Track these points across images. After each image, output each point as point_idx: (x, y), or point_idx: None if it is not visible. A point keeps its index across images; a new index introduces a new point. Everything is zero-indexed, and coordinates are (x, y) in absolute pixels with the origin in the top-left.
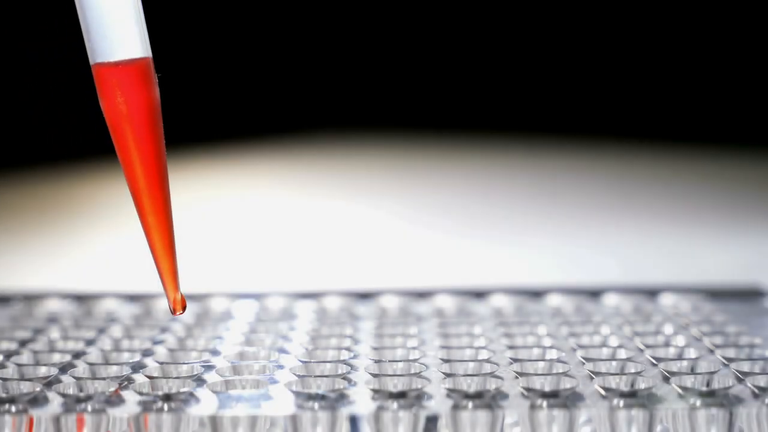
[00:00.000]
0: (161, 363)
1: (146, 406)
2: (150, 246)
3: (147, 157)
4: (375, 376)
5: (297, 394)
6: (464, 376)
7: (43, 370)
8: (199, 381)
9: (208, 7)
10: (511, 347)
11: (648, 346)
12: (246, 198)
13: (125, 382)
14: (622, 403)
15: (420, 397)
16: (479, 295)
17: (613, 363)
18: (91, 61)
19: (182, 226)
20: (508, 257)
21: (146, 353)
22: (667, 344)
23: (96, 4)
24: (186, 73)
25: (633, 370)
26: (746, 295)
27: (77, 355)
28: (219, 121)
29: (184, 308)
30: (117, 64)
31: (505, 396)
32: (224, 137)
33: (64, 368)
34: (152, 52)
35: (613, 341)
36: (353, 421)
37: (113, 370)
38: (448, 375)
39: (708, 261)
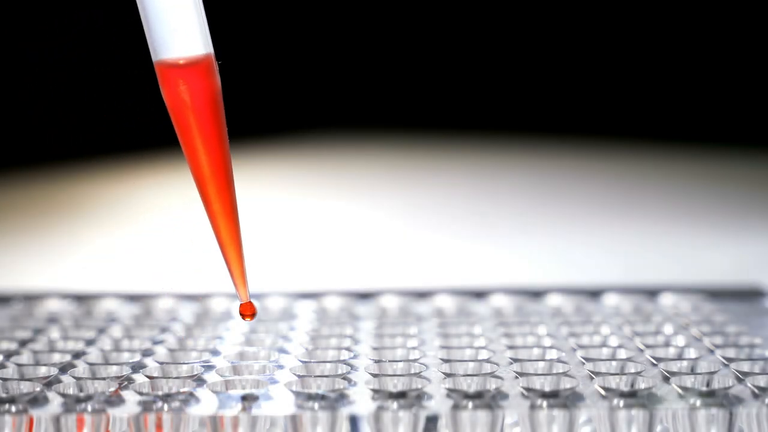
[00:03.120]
0: (161, 363)
1: (146, 406)
2: (216, 236)
3: (212, 148)
4: (375, 376)
5: (297, 394)
6: (464, 376)
7: (43, 370)
8: (199, 381)
9: (208, 7)
10: (511, 347)
11: (648, 346)
12: (246, 198)
13: (125, 382)
14: (622, 403)
15: (420, 397)
16: (479, 295)
17: (613, 363)
18: (154, 58)
19: (182, 226)
20: (508, 257)
21: (146, 353)
22: (667, 344)
23: (156, 1)
24: None
25: (633, 370)
26: (746, 295)
27: (77, 355)
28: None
29: (253, 315)
30: (179, 58)
31: (505, 396)
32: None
33: (64, 368)
34: None
35: (613, 341)
36: (353, 421)
37: (113, 370)
38: (448, 375)
39: (708, 261)
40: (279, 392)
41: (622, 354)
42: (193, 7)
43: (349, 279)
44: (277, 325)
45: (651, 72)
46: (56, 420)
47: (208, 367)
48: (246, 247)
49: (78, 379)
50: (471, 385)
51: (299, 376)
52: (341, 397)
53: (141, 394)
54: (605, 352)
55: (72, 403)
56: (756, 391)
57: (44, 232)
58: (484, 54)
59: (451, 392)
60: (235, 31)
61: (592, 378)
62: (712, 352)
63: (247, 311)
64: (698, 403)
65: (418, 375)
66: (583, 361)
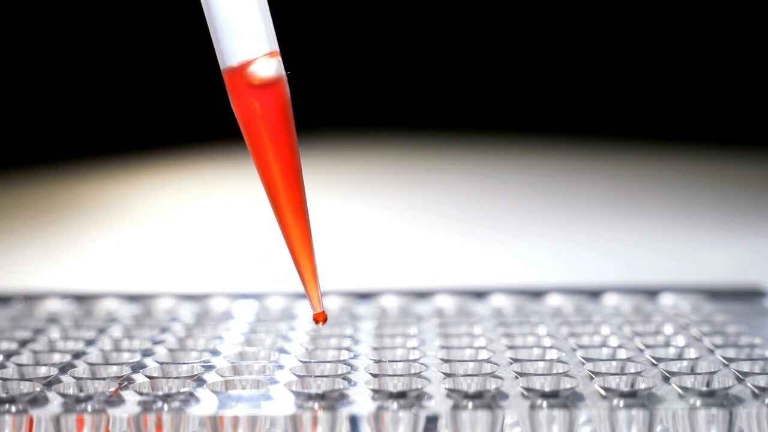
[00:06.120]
0: (161, 363)
1: (146, 406)
2: (289, 246)
3: (283, 156)
4: (375, 376)
5: (297, 394)
6: (464, 376)
7: (43, 370)
8: (199, 381)
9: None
10: (511, 347)
11: (648, 346)
12: (246, 198)
13: (125, 382)
14: (622, 403)
15: (420, 397)
16: (479, 295)
17: (613, 363)
18: (222, 66)
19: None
20: (508, 257)
21: (146, 353)
22: (667, 344)
23: (224, 9)
24: (186, 73)
25: (633, 370)
26: (746, 295)
27: (77, 355)
28: (219, 120)
29: (324, 320)
30: (247, 65)
31: (505, 396)
32: (224, 137)
33: (64, 368)
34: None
35: (613, 341)
36: (353, 421)
37: (113, 370)
38: (448, 375)
39: (708, 261)
40: (279, 392)
41: (622, 354)
42: (259, 8)
43: (349, 279)
44: (277, 325)
45: (651, 72)
46: (56, 420)
47: (208, 367)
48: (246, 246)
49: (78, 379)
50: (471, 385)
51: (299, 376)
52: (341, 397)
53: (141, 394)
54: (605, 352)
55: (72, 403)
56: (756, 391)
57: (44, 232)
58: (484, 54)
59: (451, 392)
60: None
61: (592, 378)
62: (712, 352)
63: (320, 317)
64: (698, 403)
65: (418, 375)
66: (583, 361)
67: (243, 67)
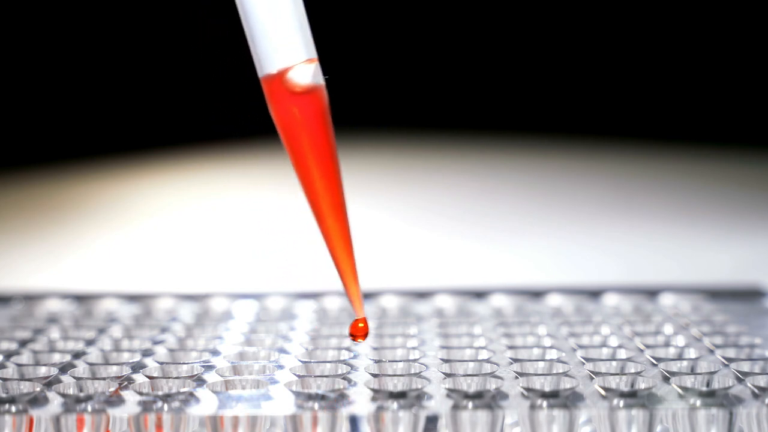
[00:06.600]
0: (161, 363)
1: (146, 406)
2: (331, 252)
3: (323, 161)
4: (375, 376)
5: (297, 394)
6: (464, 376)
7: (43, 370)
8: (199, 381)
9: (210, 8)
10: (511, 347)
11: (648, 346)
12: (246, 198)
13: (125, 382)
14: (622, 403)
15: (420, 397)
16: (479, 295)
17: (613, 363)
18: (260, 73)
19: (182, 226)
20: (508, 257)
21: (146, 353)
22: (667, 344)
23: (261, 17)
24: (186, 73)
25: (633, 370)
26: (746, 295)
27: (77, 355)
28: (219, 120)
29: (365, 335)
30: (286, 72)
31: (505, 396)
32: (224, 137)
33: (64, 368)
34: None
35: (613, 341)
36: (353, 421)
37: (113, 370)
38: (448, 375)
39: (708, 261)
40: (279, 392)
41: (622, 354)
42: (296, 15)
43: None
44: (277, 325)
45: (651, 72)
46: (56, 420)
47: (208, 367)
48: (246, 246)
49: (78, 379)
50: (471, 385)
51: (299, 376)
52: (341, 397)
53: (141, 394)
54: (605, 352)
55: (72, 403)
56: (756, 391)
57: (44, 232)
58: (485, 54)
59: (451, 392)
60: (235, 30)
61: (592, 378)
62: (712, 352)
63: (359, 332)
64: (698, 403)
65: (418, 375)
66: (583, 361)
67: (282, 74)
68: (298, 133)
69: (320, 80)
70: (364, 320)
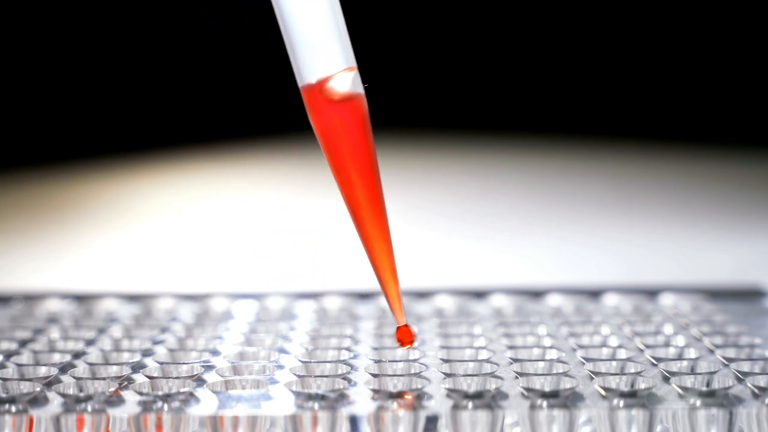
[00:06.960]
0: (161, 363)
1: (146, 406)
2: (371, 259)
3: (364, 169)
4: (375, 376)
5: (297, 394)
6: (464, 376)
7: (43, 370)
8: (199, 381)
9: (210, 8)
10: (511, 347)
11: (648, 346)
12: (246, 198)
13: (125, 382)
14: (622, 403)
15: (420, 397)
16: (479, 295)
17: (613, 363)
18: (300, 83)
19: (182, 226)
20: (508, 257)
21: (146, 353)
22: (667, 344)
23: (300, 26)
24: (186, 73)
25: (633, 370)
26: (746, 295)
27: (77, 355)
28: (219, 121)
29: (411, 341)
30: (326, 81)
31: (505, 396)
32: (224, 137)
33: (64, 368)
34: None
35: (613, 341)
36: (353, 421)
37: (113, 370)
38: (448, 375)
39: (708, 261)
40: (279, 392)
41: (622, 354)
42: (335, 24)
43: (349, 279)
44: (277, 325)
45: (651, 72)
46: (56, 420)
47: (208, 367)
48: (246, 246)
49: (78, 379)
50: (471, 385)
51: (299, 376)
52: (341, 397)
53: (141, 394)
54: (605, 352)
55: (72, 403)
56: (756, 391)
57: (44, 232)
58: (485, 54)
59: (451, 392)
60: (235, 30)
61: (592, 378)
62: (712, 352)
63: (406, 338)
64: (698, 403)
65: (418, 375)
66: (583, 361)
67: (321, 84)
68: (339, 142)
69: (359, 89)
70: (410, 334)
